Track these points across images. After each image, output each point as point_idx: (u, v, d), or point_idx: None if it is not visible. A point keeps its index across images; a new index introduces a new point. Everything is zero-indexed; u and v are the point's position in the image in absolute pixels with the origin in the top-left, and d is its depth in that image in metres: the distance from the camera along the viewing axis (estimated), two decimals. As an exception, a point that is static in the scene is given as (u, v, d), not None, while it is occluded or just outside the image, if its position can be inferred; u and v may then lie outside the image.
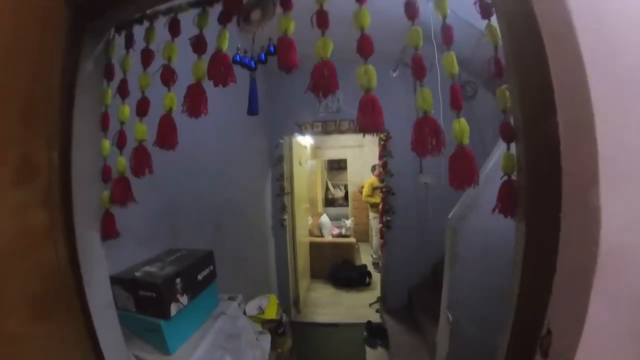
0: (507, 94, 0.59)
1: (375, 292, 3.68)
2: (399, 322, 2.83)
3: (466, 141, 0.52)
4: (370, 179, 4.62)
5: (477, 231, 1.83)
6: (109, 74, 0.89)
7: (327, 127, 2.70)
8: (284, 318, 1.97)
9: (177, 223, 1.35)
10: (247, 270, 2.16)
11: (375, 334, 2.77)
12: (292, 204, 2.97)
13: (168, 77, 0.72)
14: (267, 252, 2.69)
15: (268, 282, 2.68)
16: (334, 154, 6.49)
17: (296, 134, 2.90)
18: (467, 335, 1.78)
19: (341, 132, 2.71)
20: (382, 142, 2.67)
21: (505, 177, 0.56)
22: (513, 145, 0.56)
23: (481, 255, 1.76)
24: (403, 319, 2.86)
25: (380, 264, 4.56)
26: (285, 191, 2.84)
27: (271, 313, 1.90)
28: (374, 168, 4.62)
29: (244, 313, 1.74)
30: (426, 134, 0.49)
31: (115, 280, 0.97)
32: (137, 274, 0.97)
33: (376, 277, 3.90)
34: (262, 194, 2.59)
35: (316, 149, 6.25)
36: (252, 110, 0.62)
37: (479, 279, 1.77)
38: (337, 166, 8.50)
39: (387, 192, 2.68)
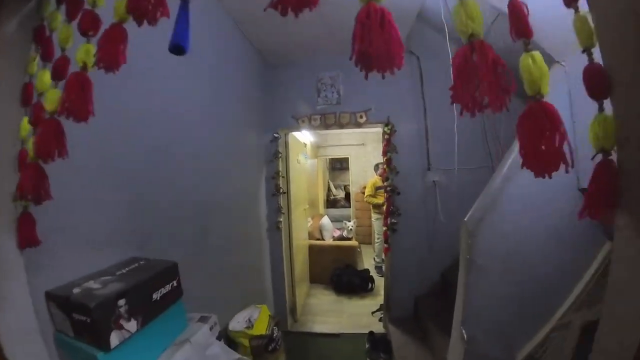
0: (591, 24, 0.37)
1: (378, 299, 3.45)
2: (404, 333, 2.60)
3: (545, 90, 0.30)
4: (373, 179, 4.40)
5: (496, 236, 1.61)
6: (39, 37, 0.68)
7: (326, 120, 2.47)
8: (276, 332, 1.74)
9: (148, 225, 1.13)
10: (238, 277, 1.94)
11: (378, 346, 2.54)
12: (288, 205, 2.75)
13: (88, 23, 0.51)
14: (262, 256, 2.47)
15: (263, 289, 2.47)
16: (336, 153, 6.26)
17: (293, 129, 2.67)
18: (483, 354, 1.56)
19: (342, 125, 2.48)
20: (386, 137, 2.44)
21: (600, 156, 0.34)
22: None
23: (501, 263, 1.53)
24: (409, 330, 2.62)
25: (383, 269, 4.35)
26: (281, 190, 2.61)
27: (261, 327, 1.68)
28: (376, 167, 4.40)
29: (224, 335, 1.53)
30: (477, 72, 0.27)
31: (50, 297, 0.76)
32: (76, 290, 0.76)
33: (379, 282, 3.69)
34: (256, 193, 2.38)
35: (317, 147, 6.04)
36: (175, 40, 0.40)
37: (499, 290, 1.52)
38: (339, 166, 8.29)
39: (392, 191, 2.44)
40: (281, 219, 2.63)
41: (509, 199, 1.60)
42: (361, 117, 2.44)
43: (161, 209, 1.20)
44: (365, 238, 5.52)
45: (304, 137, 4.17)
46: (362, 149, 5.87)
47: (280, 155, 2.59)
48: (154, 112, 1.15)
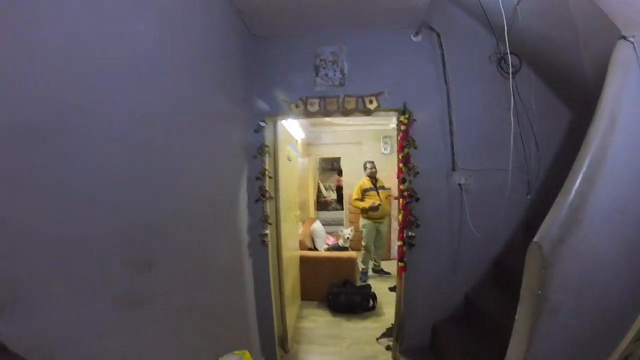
0: None
1: (381, 319, 2.98)
2: (419, 368, 2.14)
3: None
4: (361, 181, 3.96)
5: (574, 261, 1.18)
6: None
7: (326, 105, 1.94)
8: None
9: (24, 272, 0.58)
10: (209, 315, 1.39)
11: (388, 385, 2.05)
12: (277, 213, 2.19)
13: None
14: (242, 280, 1.91)
15: (244, 321, 1.91)
16: (328, 152, 5.74)
17: (284, 115, 2.11)
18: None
19: (346, 112, 1.96)
20: (402, 128, 1.94)
21: None
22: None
23: (575, 297, 1.13)
24: (424, 363, 2.16)
25: (368, 274, 3.99)
26: (268, 195, 2.07)
27: (240, 397, 1.15)
28: (365, 166, 3.93)
29: None
30: None
31: None
32: None
33: (381, 297, 3.22)
34: (234, 199, 1.81)
35: (308, 145, 5.51)
36: None
37: (569, 332, 1.16)
38: (329, 166, 7.79)
39: (410, 197, 1.95)
40: (267, 231, 2.08)
41: (593, 209, 1.18)
42: (371, 102, 1.93)
43: (48, 239, 0.63)
44: (360, 244, 5.04)
45: (294, 131, 3.64)
46: (358, 148, 5.39)
47: (267, 149, 2.04)
48: (30, 53, 0.60)
